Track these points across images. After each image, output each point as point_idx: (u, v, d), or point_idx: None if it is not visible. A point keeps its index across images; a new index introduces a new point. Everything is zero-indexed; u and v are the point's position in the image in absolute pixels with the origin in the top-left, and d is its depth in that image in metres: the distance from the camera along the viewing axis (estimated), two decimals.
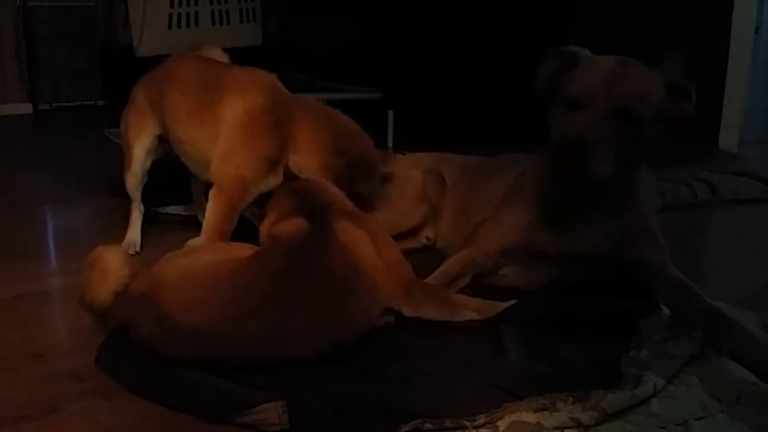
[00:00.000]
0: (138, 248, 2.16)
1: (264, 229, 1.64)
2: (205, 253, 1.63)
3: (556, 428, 1.23)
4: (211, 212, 1.93)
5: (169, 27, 3.77)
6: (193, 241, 2.03)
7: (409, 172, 2.13)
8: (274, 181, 1.95)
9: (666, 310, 1.62)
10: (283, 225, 1.57)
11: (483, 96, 3.54)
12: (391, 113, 3.56)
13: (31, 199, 2.69)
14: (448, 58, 3.58)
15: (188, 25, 3.89)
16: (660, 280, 1.67)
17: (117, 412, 1.34)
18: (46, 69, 4.56)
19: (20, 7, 4.43)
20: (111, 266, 1.58)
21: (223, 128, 1.95)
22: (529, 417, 1.25)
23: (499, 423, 1.24)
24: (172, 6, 3.82)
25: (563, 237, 1.67)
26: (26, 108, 4.54)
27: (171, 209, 2.44)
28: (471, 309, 1.59)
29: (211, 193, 1.95)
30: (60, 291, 1.92)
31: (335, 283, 1.46)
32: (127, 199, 2.23)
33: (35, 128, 4.30)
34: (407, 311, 1.58)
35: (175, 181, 2.37)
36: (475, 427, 1.23)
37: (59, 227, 2.48)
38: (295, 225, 1.54)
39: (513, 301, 1.61)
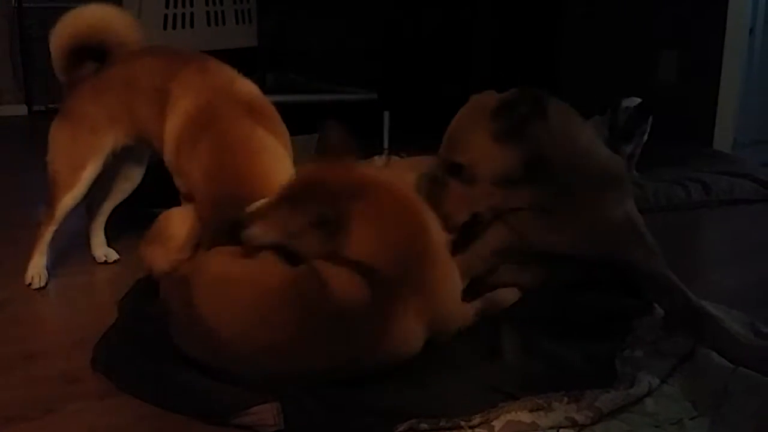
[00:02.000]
0: (46, 279, 1.91)
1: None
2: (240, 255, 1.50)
3: (551, 427, 1.24)
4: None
5: (164, 28, 3.75)
6: None
7: (402, 174, 2.13)
8: None
9: (660, 310, 1.63)
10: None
11: None
12: (387, 114, 3.55)
13: (27, 201, 2.67)
14: (444, 58, 3.58)
15: (183, 26, 3.88)
16: (648, 278, 1.67)
17: (112, 413, 1.34)
18: (41, 70, 4.54)
19: (15, 7, 4.41)
20: (173, 231, 1.66)
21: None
22: (525, 416, 1.25)
23: (494, 422, 1.24)
24: (167, 7, 3.81)
25: (550, 235, 1.68)
26: (21, 109, 4.51)
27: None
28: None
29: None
30: (56, 292, 1.92)
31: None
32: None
33: (30, 129, 4.28)
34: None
35: (169, 183, 2.35)
36: (471, 427, 1.24)
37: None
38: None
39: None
